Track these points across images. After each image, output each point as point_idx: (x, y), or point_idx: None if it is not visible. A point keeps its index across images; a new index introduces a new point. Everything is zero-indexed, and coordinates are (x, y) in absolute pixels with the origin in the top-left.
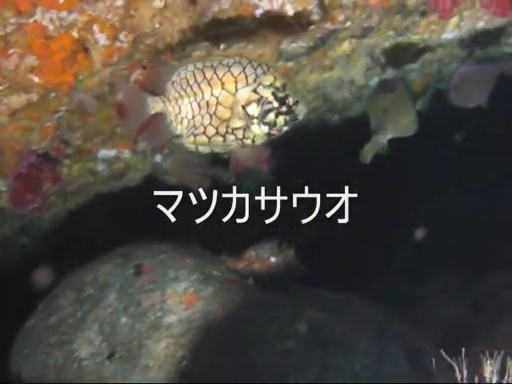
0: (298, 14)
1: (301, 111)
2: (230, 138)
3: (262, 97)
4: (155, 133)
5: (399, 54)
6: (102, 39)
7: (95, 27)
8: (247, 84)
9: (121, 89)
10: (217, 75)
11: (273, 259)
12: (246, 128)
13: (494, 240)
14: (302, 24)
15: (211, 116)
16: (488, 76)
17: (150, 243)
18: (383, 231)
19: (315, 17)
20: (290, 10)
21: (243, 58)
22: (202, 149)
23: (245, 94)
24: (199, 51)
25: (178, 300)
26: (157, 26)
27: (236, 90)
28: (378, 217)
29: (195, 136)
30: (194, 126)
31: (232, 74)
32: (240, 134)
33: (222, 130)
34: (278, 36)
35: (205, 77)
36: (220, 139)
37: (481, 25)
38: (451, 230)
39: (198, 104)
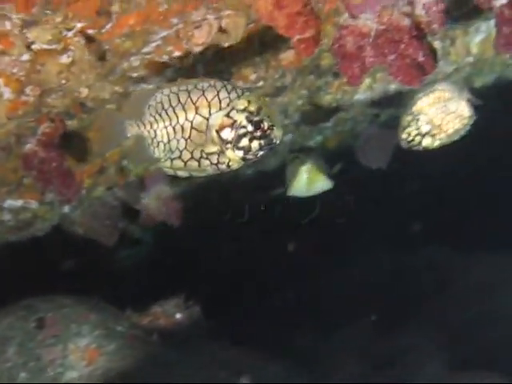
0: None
1: (276, 135)
2: (205, 162)
3: (235, 121)
4: (137, 153)
5: (313, 112)
6: (6, 93)
7: (0, 81)
8: (221, 108)
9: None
10: (191, 99)
11: (178, 315)
12: (220, 153)
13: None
14: None
15: (186, 140)
16: (389, 140)
17: (54, 296)
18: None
19: (225, 75)
20: (200, 70)
21: (218, 81)
22: (180, 173)
23: (218, 118)
24: (110, 105)
25: (80, 356)
26: (63, 81)
27: (210, 114)
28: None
29: (172, 160)
30: (170, 150)
31: (206, 99)
32: (214, 158)
33: (197, 154)
34: None
35: (179, 101)
36: (195, 164)
37: (393, 87)
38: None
39: (173, 128)
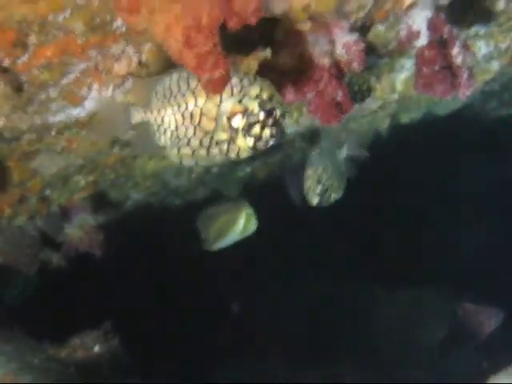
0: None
1: (288, 124)
2: (214, 151)
3: (247, 108)
4: (140, 142)
5: None
6: None
7: None
8: (232, 95)
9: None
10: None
11: (97, 348)
12: (230, 141)
13: None
14: None
15: (195, 127)
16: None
17: None
18: None
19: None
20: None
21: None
22: (186, 162)
23: (229, 105)
24: (29, 134)
25: None
26: None
27: (220, 100)
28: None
29: (179, 148)
30: (178, 137)
31: None
32: (224, 147)
33: (206, 142)
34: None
35: (189, 86)
36: (204, 152)
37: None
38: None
39: (182, 115)
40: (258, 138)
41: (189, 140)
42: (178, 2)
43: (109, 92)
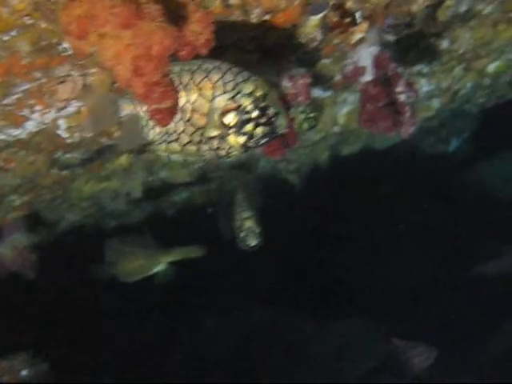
0: (70, 129)
1: (281, 124)
2: (204, 147)
3: (240, 105)
4: (127, 136)
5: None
6: None
7: None
8: (225, 91)
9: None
10: (194, 80)
11: (24, 372)
12: (221, 138)
13: None
14: (74, 138)
15: (185, 123)
16: None
17: None
18: None
19: (88, 133)
20: (62, 125)
21: (224, 63)
22: (174, 157)
23: (222, 101)
24: None
25: None
26: None
27: (213, 96)
28: None
29: (168, 143)
30: (167, 132)
31: (210, 80)
32: (215, 143)
33: (196, 138)
34: (51, 146)
35: (181, 81)
36: (193, 148)
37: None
38: None
39: None
40: (250, 137)
41: (178, 135)
42: (128, 30)
43: (51, 114)
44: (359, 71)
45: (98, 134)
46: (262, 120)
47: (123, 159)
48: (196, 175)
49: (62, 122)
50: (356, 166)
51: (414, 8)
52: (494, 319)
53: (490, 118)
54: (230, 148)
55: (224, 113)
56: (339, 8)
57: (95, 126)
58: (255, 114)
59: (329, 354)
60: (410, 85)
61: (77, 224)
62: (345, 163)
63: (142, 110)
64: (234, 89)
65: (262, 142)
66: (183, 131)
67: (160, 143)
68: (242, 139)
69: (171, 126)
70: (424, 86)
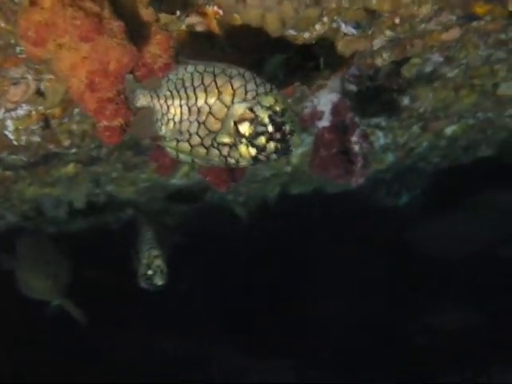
0: (17, 131)
1: (295, 142)
2: (214, 152)
3: (257, 117)
4: (139, 126)
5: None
6: None
7: None
8: (245, 100)
9: None
10: (215, 83)
11: None
12: (232, 146)
13: None
14: (21, 140)
15: (199, 124)
16: None
17: None
18: None
19: (36, 138)
20: (10, 126)
21: (248, 72)
22: (182, 156)
23: (240, 109)
24: None
25: None
26: None
27: (232, 103)
28: None
29: (178, 141)
30: (180, 130)
31: (231, 86)
32: (225, 150)
33: (208, 142)
34: None
35: (202, 82)
36: (203, 151)
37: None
38: None
39: (189, 109)
40: (262, 150)
41: (190, 135)
42: (87, 43)
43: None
44: (317, 115)
45: (46, 140)
46: (277, 135)
47: (70, 168)
48: (143, 194)
49: (9, 123)
50: (304, 207)
51: (379, 62)
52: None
53: (443, 177)
54: (239, 157)
55: (240, 121)
56: (304, 51)
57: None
58: (271, 128)
59: None
60: (365, 136)
61: (15, 225)
62: (293, 202)
63: (159, 103)
64: (253, 99)
65: (273, 157)
66: (196, 132)
67: (171, 140)
68: (253, 151)
69: (185, 124)
70: (380, 138)
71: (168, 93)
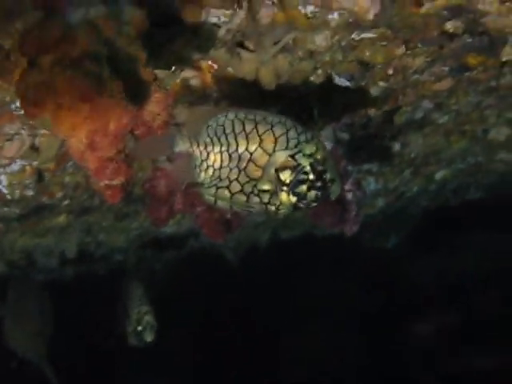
0: (11, 186)
1: (335, 191)
2: (255, 199)
3: (299, 164)
4: (178, 172)
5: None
6: None
7: None
8: (287, 148)
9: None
10: (257, 131)
11: None
12: (273, 193)
13: None
14: (14, 194)
15: (240, 171)
16: None
17: None
18: None
19: (29, 192)
20: (4, 181)
21: (288, 120)
22: (220, 203)
23: (282, 157)
24: None
25: None
26: None
27: (274, 150)
28: None
29: (217, 188)
30: (219, 177)
31: (273, 134)
32: (266, 197)
33: (248, 189)
34: None
35: (244, 129)
36: (243, 198)
37: None
38: None
39: (230, 155)
40: (302, 198)
41: (230, 183)
42: (87, 103)
43: None
44: None
45: (39, 193)
46: (318, 184)
47: (62, 218)
48: (133, 242)
49: (3, 178)
50: (294, 250)
51: (371, 111)
52: None
53: (430, 218)
54: (280, 205)
55: (281, 169)
56: (299, 102)
57: (148, 155)
58: (312, 176)
59: None
60: (357, 183)
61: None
62: (284, 246)
63: (198, 149)
64: (295, 147)
65: (313, 205)
66: (236, 179)
67: (210, 187)
68: (294, 199)
69: (225, 171)
70: (371, 184)
71: (208, 139)
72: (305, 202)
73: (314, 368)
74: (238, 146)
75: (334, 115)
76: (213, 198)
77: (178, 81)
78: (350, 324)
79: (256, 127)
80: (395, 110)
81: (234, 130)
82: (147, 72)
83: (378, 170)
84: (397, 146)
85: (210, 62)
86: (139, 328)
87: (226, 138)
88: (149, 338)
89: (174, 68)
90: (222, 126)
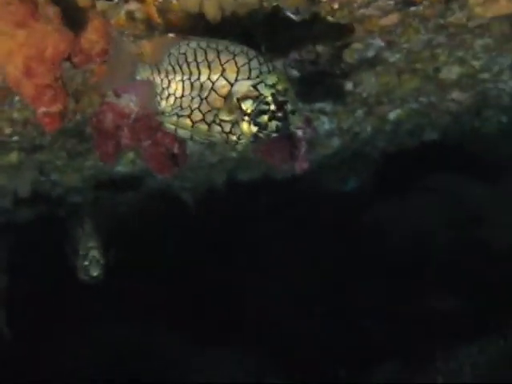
0: None
1: (295, 122)
2: (216, 128)
3: (260, 95)
4: (140, 100)
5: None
6: None
7: None
8: (249, 77)
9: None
10: (219, 60)
11: None
12: (234, 123)
13: None
14: None
15: (201, 100)
16: None
17: None
18: None
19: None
20: None
21: (251, 50)
22: (181, 132)
23: (244, 86)
24: None
25: None
26: None
27: (236, 80)
28: None
29: (178, 117)
30: (181, 106)
31: (236, 63)
32: (227, 127)
33: (210, 118)
34: None
35: (206, 58)
36: (205, 127)
37: None
38: None
39: (191, 84)
40: (263, 128)
41: (192, 111)
42: (23, 29)
43: None
44: None
45: None
46: (279, 114)
47: (13, 156)
48: (89, 181)
49: None
50: (253, 193)
51: (319, 47)
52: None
53: (391, 161)
54: (241, 135)
55: (243, 98)
56: (245, 37)
57: (111, 83)
58: (273, 107)
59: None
60: (308, 121)
61: None
62: (241, 189)
63: (159, 77)
64: (257, 77)
65: (273, 135)
66: (198, 108)
67: (171, 115)
68: (254, 128)
69: (186, 100)
70: (325, 124)
71: (170, 67)
72: (265, 132)
73: (270, 316)
74: (200, 74)
75: (282, 50)
76: (173, 127)
77: (123, 13)
78: (308, 269)
79: (218, 56)
80: (344, 47)
81: (196, 59)
82: None
83: (332, 109)
84: (349, 85)
85: None
86: (86, 263)
87: (188, 67)
88: (95, 272)
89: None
90: (184, 54)
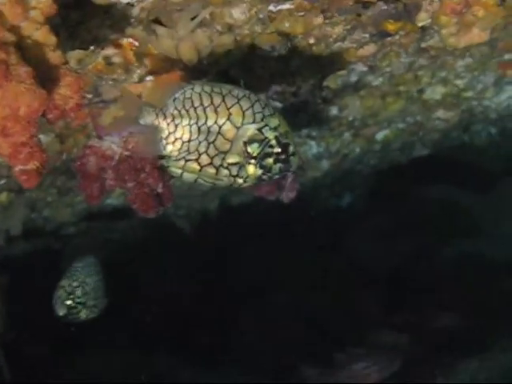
0: None
1: (295, 164)
2: (224, 172)
3: (265, 138)
4: (144, 145)
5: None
6: None
7: None
8: (254, 121)
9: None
10: (225, 104)
11: None
12: (241, 166)
13: None
14: None
15: (209, 144)
16: None
17: None
18: None
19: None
20: None
21: (252, 94)
22: (187, 176)
23: (250, 130)
24: None
25: None
26: None
27: (242, 124)
28: None
29: (186, 161)
30: (188, 150)
31: (241, 107)
32: (234, 170)
33: (217, 161)
34: None
35: (212, 102)
36: (212, 171)
37: None
38: None
39: (199, 128)
40: (268, 170)
41: (199, 155)
42: None
43: None
44: None
45: None
46: (282, 156)
47: (3, 196)
48: (81, 215)
49: None
50: (245, 216)
51: (299, 80)
52: None
53: (382, 176)
54: (247, 177)
55: (249, 142)
56: (223, 76)
57: (115, 127)
58: (277, 149)
59: None
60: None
61: None
62: (234, 212)
63: (165, 122)
64: (262, 120)
65: (276, 177)
66: (205, 152)
67: (178, 159)
68: (260, 171)
69: (194, 144)
70: (313, 147)
71: (176, 112)
72: (269, 174)
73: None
74: (207, 119)
75: (261, 85)
76: (179, 171)
77: (100, 59)
78: (301, 288)
79: (224, 100)
80: (324, 77)
81: (202, 103)
82: (56, 56)
83: (318, 133)
84: (334, 110)
85: (130, 40)
86: (53, 301)
87: (195, 111)
88: (60, 312)
89: (92, 48)
90: (190, 98)
